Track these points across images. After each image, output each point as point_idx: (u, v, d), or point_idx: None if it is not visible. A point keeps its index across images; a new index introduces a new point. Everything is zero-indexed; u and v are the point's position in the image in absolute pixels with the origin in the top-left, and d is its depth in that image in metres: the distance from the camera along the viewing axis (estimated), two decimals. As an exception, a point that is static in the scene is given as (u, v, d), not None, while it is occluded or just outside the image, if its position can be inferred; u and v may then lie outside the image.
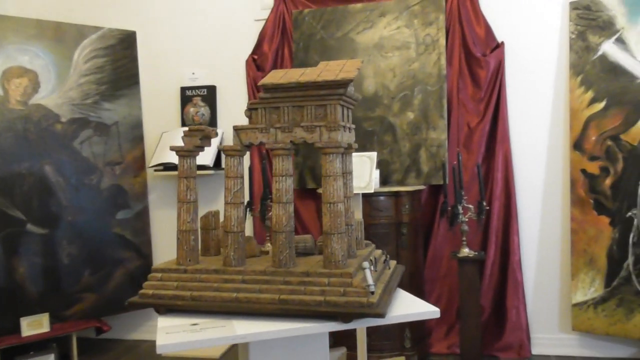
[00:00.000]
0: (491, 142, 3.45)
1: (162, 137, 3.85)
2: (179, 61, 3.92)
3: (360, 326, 1.26)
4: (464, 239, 3.13)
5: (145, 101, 3.94)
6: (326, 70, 1.31)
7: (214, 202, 3.85)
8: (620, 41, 3.14)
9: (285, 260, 1.36)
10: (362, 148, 3.47)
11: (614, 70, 3.16)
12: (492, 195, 3.39)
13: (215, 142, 3.72)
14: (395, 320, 1.25)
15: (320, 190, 3.45)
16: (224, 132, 3.81)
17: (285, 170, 1.37)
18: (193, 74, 3.94)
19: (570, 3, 3.32)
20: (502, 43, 3.41)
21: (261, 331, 1.22)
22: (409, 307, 1.32)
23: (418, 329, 3.32)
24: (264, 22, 3.76)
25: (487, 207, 3.25)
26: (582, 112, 3.27)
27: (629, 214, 3.12)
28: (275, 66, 3.74)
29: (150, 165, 3.73)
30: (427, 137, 3.44)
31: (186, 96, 3.90)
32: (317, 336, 1.38)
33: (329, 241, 1.34)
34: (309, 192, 3.69)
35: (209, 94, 3.88)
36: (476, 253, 3.14)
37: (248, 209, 3.56)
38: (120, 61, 3.88)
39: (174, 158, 3.55)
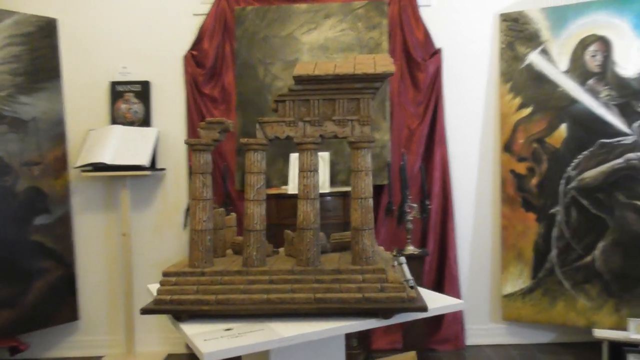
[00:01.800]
0: (430, 143, 3.61)
1: (89, 135, 3.56)
2: (108, 54, 3.65)
3: (400, 321, 1.26)
4: (409, 236, 3.25)
5: (68, 96, 3.61)
6: (360, 64, 1.29)
7: (150, 204, 3.64)
8: (545, 52, 3.45)
9: (313, 258, 1.33)
10: (308, 148, 3.47)
11: (539, 78, 3.46)
12: (431, 194, 3.55)
13: (151, 140, 3.52)
14: (434, 313, 1.26)
15: (271, 192, 3.39)
16: (160, 131, 3.61)
17: (314, 166, 1.33)
18: (124, 68, 3.68)
19: (501, 15, 3.58)
20: (440, 49, 3.59)
21: (304, 332, 1.18)
22: (435, 301, 1.34)
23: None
24: (203, 17, 3.62)
25: (430, 206, 3.40)
26: (511, 116, 3.53)
27: (552, 210, 3.42)
28: (216, 63, 3.62)
29: (77, 165, 3.43)
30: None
31: (117, 92, 3.65)
32: (334, 337, 1.35)
33: (360, 237, 1.32)
34: (251, 193, 3.60)
35: (143, 90, 3.66)
36: (420, 250, 3.27)
37: (188, 213, 3.42)
38: (39, 51, 3.53)
39: (104, 157, 3.30)
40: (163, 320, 3.55)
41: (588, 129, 3.35)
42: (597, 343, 3.24)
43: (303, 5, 3.58)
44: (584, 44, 3.37)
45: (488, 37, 3.62)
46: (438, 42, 3.59)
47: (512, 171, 3.53)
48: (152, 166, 3.54)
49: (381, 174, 3.50)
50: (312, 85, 1.28)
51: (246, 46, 3.58)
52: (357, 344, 3.32)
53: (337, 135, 1.32)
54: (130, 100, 3.67)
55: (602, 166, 3.31)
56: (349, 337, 3.31)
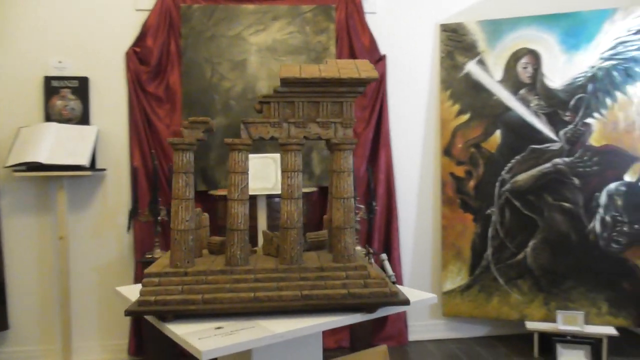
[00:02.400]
0: (375, 146, 3.71)
1: (20, 132, 3.34)
2: (42, 47, 3.45)
3: (383, 314, 1.31)
4: (357, 237, 3.33)
5: (-3, 90, 3.38)
6: (344, 68, 1.33)
7: (89, 206, 3.47)
8: (481, 62, 3.66)
9: (297, 256, 1.35)
10: (257, 150, 3.46)
11: (476, 87, 3.67)
12: (376, 195, 3.65)
13: (91, 139, 3.37)
14: (422, 304, 1.32)
15: (213, 192, 3.35)
16: (99, 130, 3.46)
17: (297, 166, 1.35)
18: (60, 62, 3.49)
19: (441, 25, 3.76)
20: (385, 56, 3.71)
21: (296, 328, 1.20)
22: (409, 295, 1.40)
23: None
24: (147, 12, 3.52)
25: (377, 207, 3.50)
26: (450, 122, 3.72)
27: (488, 211, 3.64)
28: (161, 61, 3.53)
29: (8, 164, 3.21)
30: (320, 141, 3.56)
31: (52, 87, 3.45)
32: (312, 334, 1.38)
33: (342, 235, 1.36)
34: (196, 195, 3.53)
35: (81, 86, 3.49)
36: (372, 250, 3.36)
37: (132, 215, 3.31)
38: (-36, 41, 3.28)
39: (39, 156, 3.12)
40: (103, 327, 3.42)
41: (520, 135, 3.60)
42: (529, 334, 3.48)
43: (251, 6, 3.57)
44: (516, 56, 3.62)
45: (429, 46, 3.79)
46: (383, 48, 3.71)
47: (452, 174, 3.71)
48: (92, 166, 3.38)
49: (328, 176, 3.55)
50: (297, 88, 1.30)
51: (192, 45, 3.52)
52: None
53: (321, 137, 1.36)
54: (66, 97, 3.49)
55: (533, 170, 3.56)
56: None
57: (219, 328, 1.19)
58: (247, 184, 1.35)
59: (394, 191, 3.71)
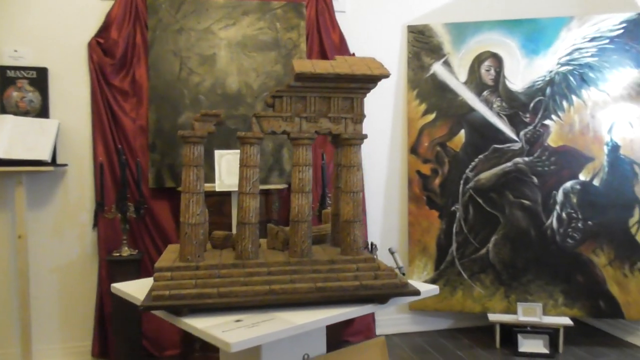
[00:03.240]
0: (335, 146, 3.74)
1: (-27, 124, 3.15)
2: (-2, 34, 3.26)
3: (394, 305, 1.34)
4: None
5: (-53, 79, 3.17)
6: (354, 65, 1.35)
7: (49, 203, 3.31)
8: (447, 64, 3.77)
9: (307, 249, 1.35)
10: (226, 146, 3.42)
11: (442, 87, 3.78)
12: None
13: (52, 133, 3.23)
14: (423, 296, 1.36)
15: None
16: (60, 123, 3.31)
17: (308, 160, 1.36)
18: (15, 51, 3.32)
19: (408, 27, 3.84)
20: (354, 55, 3.75)
21: (315, 319, 1.20)
22: (415, 286, 1.44)
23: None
24: (111, 2, 3.40)
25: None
26: (417, 121, 3.81)
27: (453, 208, 3.76)
28: (126, 53, 3.42)
29: (-38, 158, 3.02)
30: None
31: (7, 78, 3.28)
32: (317, 327, 1.40)
33: (351, 229, 1.38)
34: (165, 192, 3.46)
35: (39, 77, 3.33)
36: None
37: (98, 212, 3.20)
38: None
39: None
40: (65, 329, 3.28)
41: (483, 135, 3.74)
42: (491, 326, 3.63)
43: (221, 0, 3.52)
44: (480, 59, 3.75)
45: (397, 46, 3.87)
46: (352, 47, 3.75)
47: (418, 172, 3.81)
48: (53, 161, 3.23)
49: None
50: (310, 83, 1.31)
51: (160, 38, 3.43)
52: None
53: (332, 132, 1.37)
54: (23, 88, 3.32)
55: (495, 169, 3.71)
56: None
57: (238, 321, 1.18)
58: (258, 177, 1.34)
59: (362, 188, 3.76)
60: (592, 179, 3.60)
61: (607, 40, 3.60)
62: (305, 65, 1.31)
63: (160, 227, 3.48)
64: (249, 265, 1.30)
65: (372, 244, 1.44)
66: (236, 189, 2.92)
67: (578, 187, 3.61)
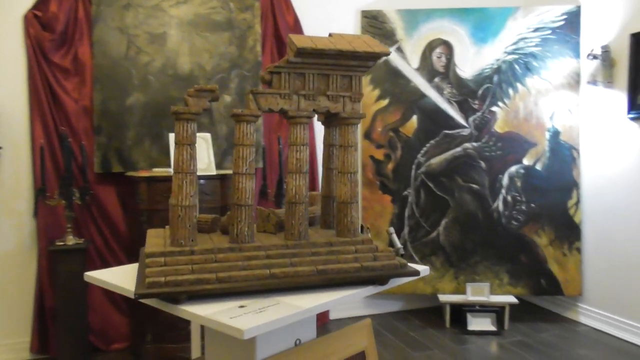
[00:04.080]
0: (299, 129, 3.70)
1: None
2: None
3: (393, 286, 1.33)
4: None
5: None
6: (353, 42, 1.31)
7: (-19, 189, 3.04)
8: (400, 50, 3.81)
9: (305, 232, 1.31)
10: (178, 129, 3.29)
11: (395, 73, 3.81)
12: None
13: (-15, 113, 2.96)
14: (419, 276, 1.35)
15: (133, 174, 3.11)
16: (-6, 102, 3.04)
17: (305, 140, 1.32)
18: (-61, 22, 3.00)
19: (362, 12, 3.84)
20: (308, 38, 3.70)
21: (321, 302, 1.17)
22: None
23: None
24: (50, -27, 3.14)
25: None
26: (371, 106, 3.83)
27: (405, 192, 3.83)
28: (67, 29, 3.18)
29: None
30: (244, 121, 3.47)
31: None
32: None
33: (349, 210, 1.35)
34: (112, 177, 3.28)
35: (-32, 52, 3.03)
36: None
37: (39, 199, 2.98)
38: None
39: None
40: (1, 324, 3.03)
41: (434, 121, 3.82)
42: (441, 307, 3.74)
43: (172, -24, 3.35)
44: (431, 46, 3.82)
45: (351, 30, 3.85)
46: (306, 30, 3.70)
47: (372, 157, 3.83)
48: (-15, 144, 2.97)
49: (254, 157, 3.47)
50: (310, 59, 1.26)
51: (105, 13, 3.21)
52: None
53: (330, 111, 1.33)
54: (-51, 63, 3.01)
55: (445, 154, 3.81)
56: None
57: (242, 307, 1.12)
58: (254, 157, 1.28)
59: (317, 173, 3.75)
60: (534, 163, 3.78)
61: (549, 31, 3.77)
62: (305, 40, 1.25)
63: (107, 215, 3.29)
64: (246, 249, 1.24)
65: (362, 225, 1.42)
66: (200, 172, 2.81)
67: (522, 171, 3.79)
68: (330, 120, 1.44)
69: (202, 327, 3.06)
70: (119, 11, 3.23)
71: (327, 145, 1.48)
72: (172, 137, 3.05)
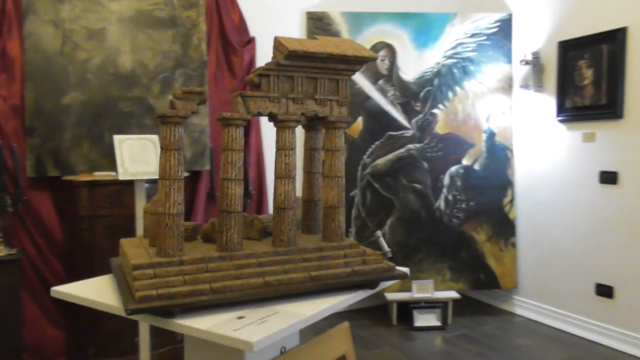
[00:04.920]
0: (245, 129, 3.64)
1: None
2: None
3: (382, 287, 1.33)
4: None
5: None
6: (340, 45, 1.30)
7: None
8: (345, 52, 3.84)
9: (294, 238, 1.29)
10: (119, 130, 3.14)
11: (341, 75, 3.84)
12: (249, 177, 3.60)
13: None
14: (407, 277, 1.37)
15: (72, 178, 2.93)
16: None
17: (294, 144, 1.29)
18: None
19: (307, 13, 3.84)
20: (254, 38, 3.65)
21: (320, 309, 1.15)
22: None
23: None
24: (-27, -40, 2.88)
25: (253, 191, 3.46)
26: (317, 108, 3.84)
27: (352, 193, 3.87)
28: (-5, 21, 2.93)
29: None
30: (190, 122, 3.37)
31: None
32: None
33: (336, 214, 1.34)
34: (46, 182, 3.06)
35: None
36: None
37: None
38: None
39: None
40: None
41: (379, 122, 3.89)
42: (387, 304, 3.82)
43: (111, -31, 3.18)
44: (375, 49, 3.89)
45: (296, 32, 3.84)
46: (252, 30, 3.65)
47: (318, 158, 3.84)
48: None
49: (200, 159, 3.39)
50: (300, 62, 1.24)
51: (37, 5, 2.99)
52: (182, 337, 3.17)
53: (318, 114, 1.31)
54: None
55: (390, 155, 3.89)
56: (174, 333, 3.14)
57: (241, 318, 1.08)
58: (242, 163, 1.24)
59: (264, 174, 3.70)
60: (473, 163, 3.95)
61: (484, 37, 3.96)
62: (294, 43, 1.23)
63: (41, 223, 3.07)
64: (237, 257, 1.20)
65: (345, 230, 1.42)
66: (143, 177, 2.70)
67: (462, 171, 3.95)
68: (312, 123, 1.43)
69: (152, 338, 2.94)
70: (53, 4, 3.02)
71: (309, 149, 1.46)
72: (116, 139, 2.89)
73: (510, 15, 3.97)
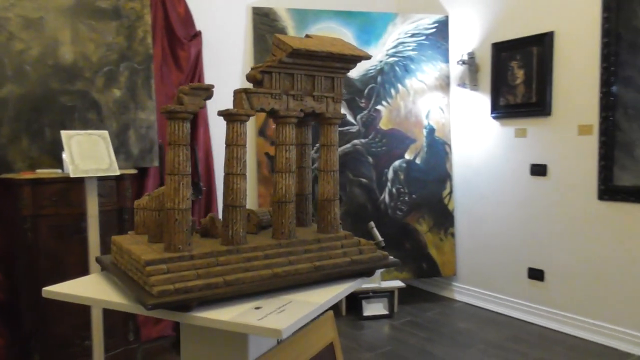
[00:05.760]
0: (193, 124, 3.58)
1: None
2: None
3: (372, 277, 1.40)
4: (194, 218, 3.20)
5: None
6: (334, 44, 1.34)
7: None
8: (291, 49, 3.88)
9: (293, 230, 1.32)
10: (61, 125, 2.99)
11: (288, 71, 3.87)
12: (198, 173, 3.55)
13: None
14: (400, 265, 1.44)
15: (12, 176, 2.76)
16: None
17: (293, 139, 1.32)
18: None
19: (253, 8, 3.83)
20: (200, 32, 3.59)
21: (329, 297, 1.19)
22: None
23: (134, 321, 3.17)
24: None
25: (204, 188, 3.41)
26: (264, 103, 3.84)
27: (299, 188, 3.91)
28: None
29: None
30: (136, 118, 3.27)
31: None
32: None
33: (331, 207, 1.39)
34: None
35: None
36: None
37: None
38: None
39: None
40: None
41: (326, 118, 3.96)
42: (338, 296, 3.91)
43: (49, -45, 3.00)
44: (321, 46, 3.95)
45: (242, 27, 3.83)
46: (198, 24, 3.59)
47: (267, 154, 3.86)
48: None
49: (148, 156, 3.29)
50: (302, 60, 1.27)
51: (-32, -9, 2.78)
52: (134, 337, 3.09)
53: (315, 111, 1.35)
54: None
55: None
56: (126, 332, 3.06)
57: (258, 308, 1.10)
58: (246, 158, 1.26)
59: (213, 170, 3.66)
60: (415, 157, 4.13)
61: (423, 37, 4.14)
62: (295, 40, 1.26)
63: (-23, 224, 2.86)
64: (243, 250, 1.21)
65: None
66: (96, 174, 2.60)
67: (404, 165, 4.11)
68: (304, 120, 1.46)
69: (107, 336, 2.83)
70: (-15, -10, 2.82)
71: (299, 144, 1.49)
72: (64, 134, 2.75)
73: (447, 17, 4.18)
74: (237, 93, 1.24)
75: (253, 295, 1.18)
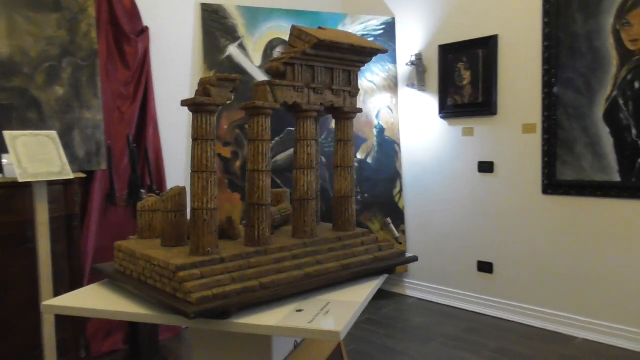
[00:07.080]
0: (142, 125, 3.40)
1: None
2: None
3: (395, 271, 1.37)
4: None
5: None
6: (351, 37, 1.30)
7: None
8: (242, 47, 3.79)
9: (315, 229, 1.27)
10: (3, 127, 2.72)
11: (239, 70, 3.78)
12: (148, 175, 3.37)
13: None
14: (417, 261, 1.42)
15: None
16: None
17: (314, 134, 1.27)
18: None
19: (202, 4, 3.69)
20: (148, 28, 3.41)
21: (365, 295, 1.16)
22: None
23: (84, 335, 2.95)
24: None
25: (158, 192, 3.23)
26: (215, 103, 3.72)
27: (253, 189, 3.82)
28: None
29: None
30: (81, 117, 3.04)
31: None
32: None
33: (349, 204, 1.35)
34: None
35: None
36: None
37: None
38: None
39: None
40: None
41: (279, 118, 3.89)
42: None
43: (-19, -62, 2.72)
44: (272, 45, 3.89)
45: (191, 23, 3.68)
46: (145, 20, 3.40)
47: (219, 155, 3.73)
48: None
49: (95, 158, 3.07)
50: (323, 52, 1.22)
51: None
52: (85, 354, 2.87)
53: (334, 105, 1.30)
54: None
55: (290, 150, 3.93)
56: (77, 349, 2.83)
57: (300, 311, 1.04)
58: (270, 154, 1.19)
59: (164, 172, 3.49)
60: (366, 157, 4.17)
61: (372, 38, 4.19)
62: (317, 32, 1.21)
63: None
64: (272, 251, 1.14)
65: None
66: (47, 178, 2.39)
67: (356, 164, 4.13)
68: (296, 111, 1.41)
69: (57, 353, 2.60)
70: None
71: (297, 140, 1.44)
72: (7, 135, 2.49)
73: (393, 19, 4.26)
74: (260, 85, 1.18)
75: (284, 298, 1.12)
